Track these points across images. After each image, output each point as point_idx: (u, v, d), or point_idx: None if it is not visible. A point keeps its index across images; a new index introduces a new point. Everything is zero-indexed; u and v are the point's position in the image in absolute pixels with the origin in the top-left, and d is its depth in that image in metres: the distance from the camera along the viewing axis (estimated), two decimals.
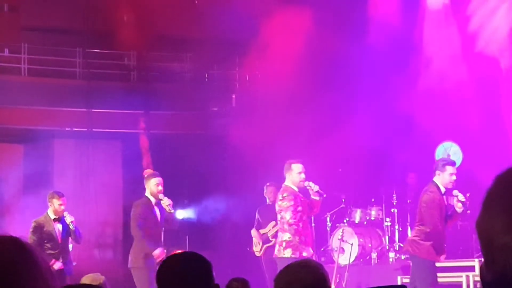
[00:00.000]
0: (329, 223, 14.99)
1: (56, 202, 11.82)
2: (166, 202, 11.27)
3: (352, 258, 13.78)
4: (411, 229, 14.92)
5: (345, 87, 15.59)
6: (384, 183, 15.26)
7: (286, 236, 10.65)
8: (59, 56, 19.40)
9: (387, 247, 14.79)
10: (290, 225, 10.60)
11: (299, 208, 10.68)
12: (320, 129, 14.86)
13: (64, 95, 18.69)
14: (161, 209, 11.38)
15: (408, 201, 15.02)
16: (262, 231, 14.04)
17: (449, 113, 14.94)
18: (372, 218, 15.13)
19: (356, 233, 14.31)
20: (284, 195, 10.72)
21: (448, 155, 15.09)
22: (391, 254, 14.49)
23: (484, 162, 12.49)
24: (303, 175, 10.81)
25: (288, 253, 10.55)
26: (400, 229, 14.99)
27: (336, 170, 15.18)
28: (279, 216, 10.87)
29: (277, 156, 15.12)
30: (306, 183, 10.82)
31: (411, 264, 10.42)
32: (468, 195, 12.94)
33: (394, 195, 15.05)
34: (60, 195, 11.96)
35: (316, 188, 10.86)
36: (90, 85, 18.92)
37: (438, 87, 15.48)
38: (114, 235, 18.85)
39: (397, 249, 14.68)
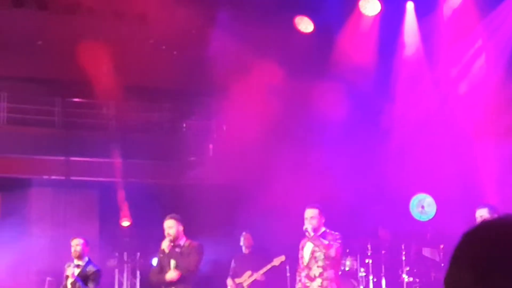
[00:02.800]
0: None
1: None
2: None
3: None
4: (386, 279, 15.00)
5: (320, 139, 15.75)
6: (358, 234, 15.33)
7: None
8: (38, 105, 19.49)
9: None
10: None
11: None
12: (295, 180, 14.97)
13: (42, 143, 18.74)
14: None
15: (383, 251, 15.09)
16: (237, 280, 14.01)
17: (423, 165, 15.08)
18: (347, 269, 15.16)
19: None
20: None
21: (422, 207, 15.23)
22: None
23: (458, 213, 12.59)
24: None
25: None
26: (375, 280, 15.03)
27: None
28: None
29: (254, 205, 15.23)
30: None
31: None
32: (442, 246, 13.04)
33: (368, 246, 15.10)
34: None
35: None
36: (68, 134, 18.99)
37: (412, 139, 15.65)
38: None
39: None
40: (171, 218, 10.89)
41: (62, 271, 12.07)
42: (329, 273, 10.16)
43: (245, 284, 13.81)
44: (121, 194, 18.26)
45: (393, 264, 15.00)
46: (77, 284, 11.36)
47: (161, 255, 10.92)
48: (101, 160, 18.77)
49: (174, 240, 10.78)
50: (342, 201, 15.00)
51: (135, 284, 18.01)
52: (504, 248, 1.92)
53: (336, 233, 10.32)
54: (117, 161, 18.63)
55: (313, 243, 10.20)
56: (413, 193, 15.42)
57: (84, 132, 19.29)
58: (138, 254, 17.45)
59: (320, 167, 15.22)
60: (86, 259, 11.70)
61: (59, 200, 18.94)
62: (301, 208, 10.62)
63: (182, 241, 10.84)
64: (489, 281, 1.88)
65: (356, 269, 15.15)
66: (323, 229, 10.33)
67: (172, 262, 10.78)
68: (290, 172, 15.20)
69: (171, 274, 10.67)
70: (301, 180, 14.82)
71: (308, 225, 10.19)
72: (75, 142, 18.78)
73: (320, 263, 10.15)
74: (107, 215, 18.59)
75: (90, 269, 11.55)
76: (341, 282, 14.65)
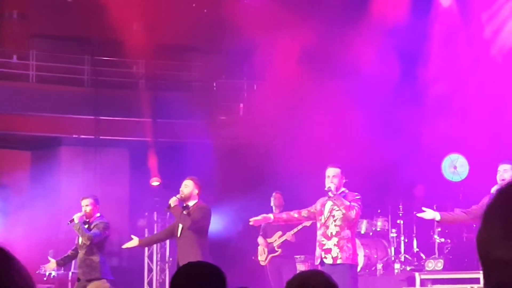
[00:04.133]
0: None
1: None
2: None
3: (358, 269, 13.76)
4: (417, 240, 14.94)
5: (352, 98, 15.61)
6: (390, 195, 15.24)
7: None
8: (67, 63, 19.46)
9: (393, 258, 14.77)
10: None
11: None
12: (327, 140, 14.88)
13: (72, 102, 18.76)
14: None
15: (414, 212, 15.01)
16: (268, 240, 14.01)
17: (456, 125, 14.93)
18: (378, 229, 15.13)
19: (361, 244, 14.30)
20: None
21: (455, 167, 15.08)
22: (397, 265, 14.47)
23: (491, 174, 12.45)
24: None
25: None
26: (406, 241, 14.98)
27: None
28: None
29: (285, 164, 15.18)
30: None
31: None
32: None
33: (400, 207, 15.03)
34: None
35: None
36: (98, 93, 18.98)
37: (445, 99, 15.50)
38: (120, 242, 18.84)
39: (403, 260, 14.67)
40: (190, 178, 10.99)
41: None
42: (346, 232, 10.08)
43: (275, 245, 13.79)
44: (151, 154, 18.28)
45: (425, 225, 14.92)
46: (80, 227, 11.31)
47: (167, 210, 11.07)
48: (131, 119, 18.78)
49: (185, 199, 10.81)
50: (373, 161, 14.90)
51: (165, 243, 18.06)
52: None
53: (356, 193, 10.22)
54: (147, 120, 18.63)
55: (334, 202, 10.09)
56: (446, 153, 15.28)
57: (114, 90, 19.28)
58: (168, 214, 17.48)
59: (353, 126, 15.10)
60: (98, 215, 11.63)
61: (89, 159, 18.99)
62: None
63: (192, 203, 10.83)
64: None
65: (387, 230, 15.11)
66: (343, 189, 10.22)
67: (180, 226, 10.81)
68: (321, 131, 15.10)
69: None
70: (333, 139, 14.72)
71: (330, 184, 10.09)
72: (104, 100, 18.78)
73: (338, 222, 10.05)
74: (137, 174, 18.62)
75: (97, 222, 11.49)
76: (371, 242, 14.67)
